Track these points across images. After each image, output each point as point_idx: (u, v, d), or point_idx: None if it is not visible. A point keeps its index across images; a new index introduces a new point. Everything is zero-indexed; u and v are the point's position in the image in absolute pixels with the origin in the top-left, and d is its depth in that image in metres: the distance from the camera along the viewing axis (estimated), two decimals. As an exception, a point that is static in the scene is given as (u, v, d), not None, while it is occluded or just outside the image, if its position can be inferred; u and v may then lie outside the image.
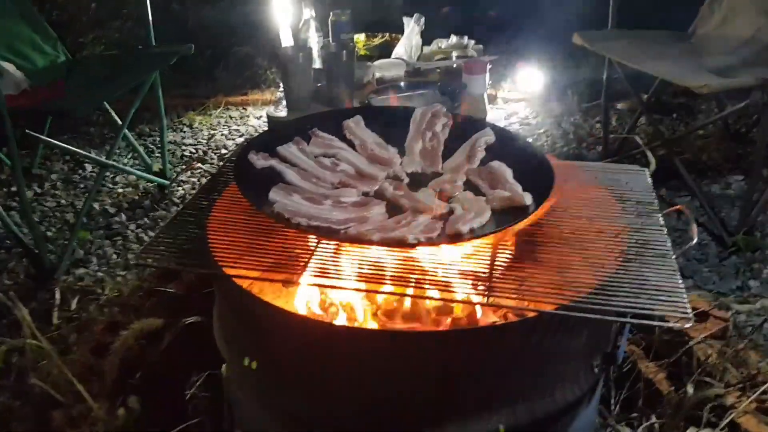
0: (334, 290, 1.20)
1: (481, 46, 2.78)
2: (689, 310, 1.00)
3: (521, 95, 3.71)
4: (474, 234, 1.12)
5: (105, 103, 2.73)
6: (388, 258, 1.12)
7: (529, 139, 1.96)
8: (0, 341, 1.49)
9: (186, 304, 1.67)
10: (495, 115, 3.49)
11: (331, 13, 2.43)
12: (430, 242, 1.09)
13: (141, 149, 3.01)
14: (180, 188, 2.89)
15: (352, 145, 1.46)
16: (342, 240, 1.12)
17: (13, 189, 2.80)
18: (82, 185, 2.94)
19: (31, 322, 1.44)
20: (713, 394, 1.40)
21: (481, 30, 3.12)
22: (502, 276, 1.08)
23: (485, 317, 1.21)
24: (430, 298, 1.17)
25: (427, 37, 2.79)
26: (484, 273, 1.09)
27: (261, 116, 3.65)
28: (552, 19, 3.45)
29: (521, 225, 1.15)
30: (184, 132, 3.50)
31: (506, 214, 1.17)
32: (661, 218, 1.27)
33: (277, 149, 1.38)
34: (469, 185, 1.32)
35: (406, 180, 1.35)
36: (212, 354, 1.34)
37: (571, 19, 3.19)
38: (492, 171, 1.33)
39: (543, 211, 1.19)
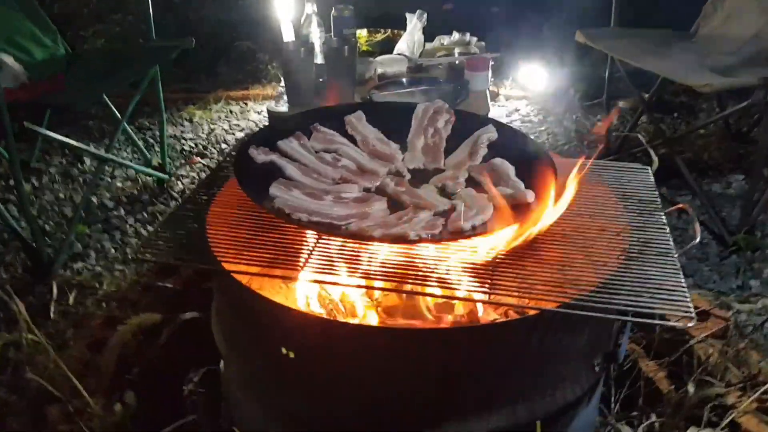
0: (334, 287, 1.20)
1: (483, 43, 2.77)
2: (692, 309, 0.99)
3: (523, 93, 3.70)
4: (476, 231, 1.11)
5: (105, 96, 2.72)
6: (389, 254, 1.11)
7: (531, 137, 1.94)
8: (-3, 335, 1.48)
9: (184, 300, 1.66)
10: (497, 112, 3.49)
11: (333, 9, 2.43)
12: (432, 239, 1.08)
13: (140, 143, 3.00)
14: (179, 183, 2.89)
15: (353, 140, 1.45)
16: (343, 236, 1.11)
17: (11, 182, 2.79)
18: (80, 179, 2.93)
19: (28, 317, 1.43)
20: (714, 394, 1.39)
21: (484, 27, 3.11)
22: (503, 273, 1.08)
23: (486, 315, 1.20)
24: (432, 295, 1.17)
25: (429, 34, 2.78)
26: (485, 270, 1.08)
27: (261, 111, 3.64)
28: (554, 17, 3.44)
29: (523, 222, 1.14)
30: (184, 126, 3.49)
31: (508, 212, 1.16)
32: (663, 217, 1.26)
33: (277, 144, 1.37)
34: (471, 182, 1.31)
35: (408, 176, 1.35)
36: (210, 350, 1.33)
37: (574, 17, 3.19)
38: (494, 168, 1.32)
39: (544, 209, 1.18)
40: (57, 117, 3.07)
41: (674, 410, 1.38)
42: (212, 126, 3.49)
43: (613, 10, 2.82)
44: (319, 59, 2.36)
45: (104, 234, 2.49)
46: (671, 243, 1.17)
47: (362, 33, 2.86)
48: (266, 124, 3.11)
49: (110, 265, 2.28)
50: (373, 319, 1.22)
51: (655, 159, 1.49)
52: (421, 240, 1.07)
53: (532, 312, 1.07)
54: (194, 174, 2.97)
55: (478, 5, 3.97)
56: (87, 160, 3.07)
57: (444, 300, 1.19)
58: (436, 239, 1.09)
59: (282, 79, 2.47)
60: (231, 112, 3.66)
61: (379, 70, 2.42)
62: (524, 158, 1.33)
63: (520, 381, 1.13)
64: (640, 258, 1.13)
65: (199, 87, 3.86)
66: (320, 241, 1.14)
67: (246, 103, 3.76)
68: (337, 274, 1.07)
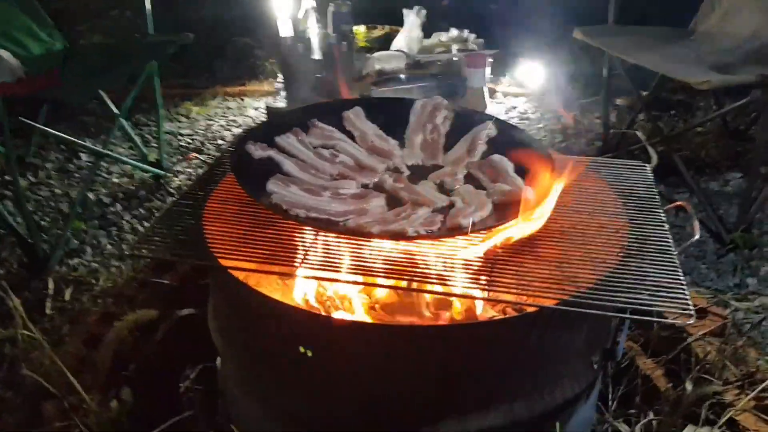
0: (331, 283, 1.19)
1: (481, 39, 2.77)
2: (691, 307, 0.99)
3: (521, 90, 3.70)
4: (474, 227, 1.11)
5: (101, 92, 2.71)
6: (387, 251, 1.10)
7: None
8: (-8, 331, 1.47)
9: (181, 296, 1.66)
10: (494, 109, 3.48)
11: (331, 4, 2.41)
12: (430, 235, 1.08)
13: (137, 139, 2.98)
14: (176, 179, 2.88)
15: (351, 136, 1.44)
16: (341, 232, 1.10)
17: (7, 178, 2.77)
18: (77, 175, 2.92)
19: (24, 312, 1.42)
20: (712, 392, 1.39)
21: (482, 23, 3.10)
22: (501, 270, 1.07)
23: (484, 312, 1.20)
24: (430, 292, 1.16)
25: (427, 30, 2.77)
26: (483, 267, 1.07)
27: (259, 107, 3.63)
28: (552, 14, 3.43)
29: (522, 219, 1.14)
30: (181, 122, 3.48)
31: (507, 208, 1.16)
32: (662, 214, 1.26)
33: (275, 140, 1.37)
34: (469, 178, 1.31)
35: (406, 172, 1.34)
36: (207, 347, 1.32)
37: (572, 14, 3.18)
38: (493, 164, 1.32)
39: (544, 206, 1.18)
40: (53, 112, 3.06)
41: (672, 408, 1.37)
42: (209, 122, 3.48)
43: (611, 7, 2.81)
44: (317, 55, 2.35)
45: (100, 230, 2.48)
46: (670, 240, 1.17)
47: (360, 29, 2.85)
48: (264, 120, 3.10)
49: (106, 261, 2.27)
50: (370, 316, 1.22)
51: (654, 156, 1.48)
52: (419, 236, 1.07)
53: (530, 309, 1.06)
54: (191, 170, 2.96)
55: (477, 2, 3.96)
56: (83, 156, 3.06)
57: (442, 297, 1.19)
58: (434, 236, 1.09)
59: (280, 75, 2.46)
60: (228, 108, 3.65)
61: (377, 67, 2.41)
62: (523, 155, 1.33)
63: (518, 378, 1.13)
64: (639, 255, 1.12)
65: (196, 83, 3.85)
66: (318, 237, 1.13)
67: (243, 99, 3.75)
68: (335, 271, 1.07)
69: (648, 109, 2.88)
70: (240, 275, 1.13)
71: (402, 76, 2.30)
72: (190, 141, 3.27)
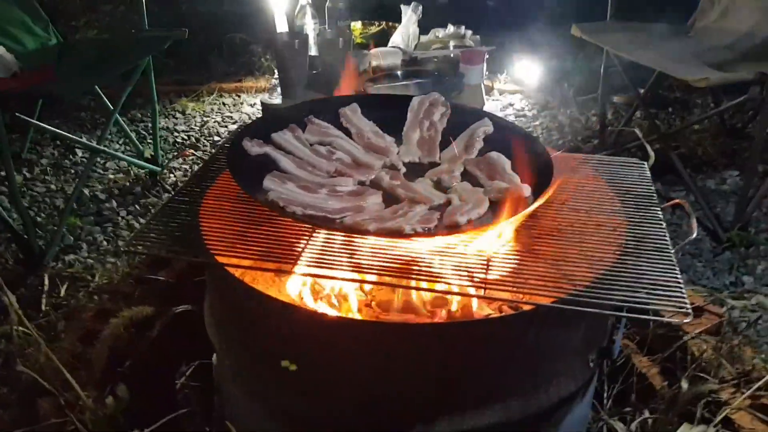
0: (327, 280, 1.19)
1: (478, 36, 2.76)
2: (688, 305, 0.99)
3: (517, 87, 3.69)
4: (471, 225, 1.10)
5: (96, 87, 2.70)
6: (383, 248, 1.10)
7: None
8: (-13, 327, 1.47)
9: (177, 293, 1.65)
10: (491, 106, 3.48)
11: (328, 0, 2.40)
12: (427, 233, 1.08)
13: (133, 135, 2.98)
14: (172, 175, 2.87)
15: (348, 133, 1.44)
16: (337, 229, 1.10)
17: (2, 173, 2.76)
18: (72, 170, 2.91)
19: (19, 309, 1.42)
20: (707, 390, 1.39)
21: (479, 20, 3.09)
22: (498, 268, 1.07)
23: (480, 310, 1.20)
24: (426, 290, 1.16)
25: (424, 26, 2.77)
26: (480, 265, 1.07)
27: (255, 104, 3.62)
28: (550, 11, 3.43)
29: (520, 217, 1.14)
30: (177, 118, 3.47)
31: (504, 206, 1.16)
32: (660, 212, 1.26)
33: (271, 136, 1.36)
34: (467, 176, 1.30)
35: (403, 169, 1.34)
36: (203, 343, 1.32)
37: (569, 11, 3.18)
38: (490, 162, 1.31)
39: (542, 204, 1.18)
40: (48, 108, 3.05)
41: (667, 406, 1.37)
42: (205, 118, 3.47)
43: (608, 4, 2.81)
44: (313, 51, 2.34)
45: (96, 226, 2.47)
46: (668, 239, 1.17)
47: (357, 25, 2.84)
48: (260, 116, 3.09)
49: (102, 258, 2.26)
50: (366, 314, 1.22)
51: (652, 154, 1.48)
52: (416, 234, 1.06)
53: (527, 307, 1.06)
54: (187, 166, 2.95)
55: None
56: (79, 152, 3.05)
57: (438, 294, 1.18)
58: (431, 233, 1.08)
59: (276, 71, 2.45)
60: (224, 104, 3.64)
61: (374, 63, 2.40)
62: (520, 152, 1.32)
63: (514, 376, 1.13)
64: (636, 253, 1.12)
65: (191, 79, 3.83)
66: (314, 234, 1.13)
67: (239, 96, 3.74)
68: (331, 268, 1.06)
69: (645, 107, 2.88)
70: (236, 272, 1.12)
71: (399, 72, 2.29)
72: (186, 137, 3.26)
